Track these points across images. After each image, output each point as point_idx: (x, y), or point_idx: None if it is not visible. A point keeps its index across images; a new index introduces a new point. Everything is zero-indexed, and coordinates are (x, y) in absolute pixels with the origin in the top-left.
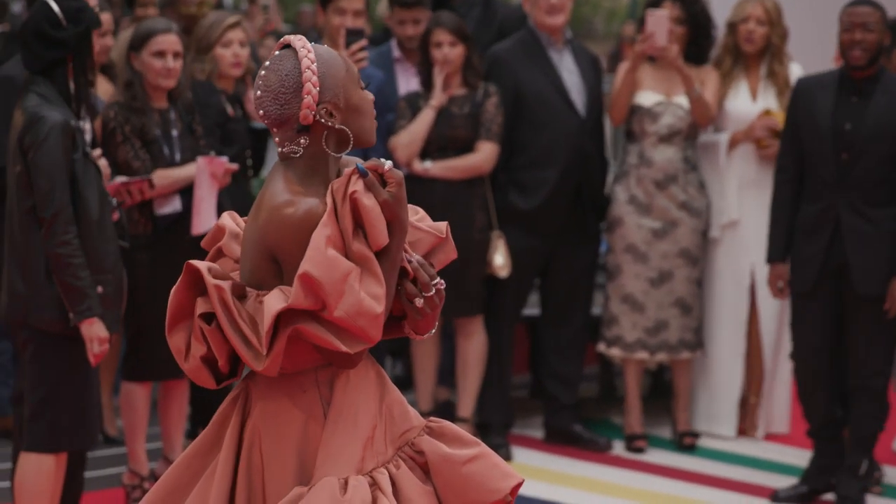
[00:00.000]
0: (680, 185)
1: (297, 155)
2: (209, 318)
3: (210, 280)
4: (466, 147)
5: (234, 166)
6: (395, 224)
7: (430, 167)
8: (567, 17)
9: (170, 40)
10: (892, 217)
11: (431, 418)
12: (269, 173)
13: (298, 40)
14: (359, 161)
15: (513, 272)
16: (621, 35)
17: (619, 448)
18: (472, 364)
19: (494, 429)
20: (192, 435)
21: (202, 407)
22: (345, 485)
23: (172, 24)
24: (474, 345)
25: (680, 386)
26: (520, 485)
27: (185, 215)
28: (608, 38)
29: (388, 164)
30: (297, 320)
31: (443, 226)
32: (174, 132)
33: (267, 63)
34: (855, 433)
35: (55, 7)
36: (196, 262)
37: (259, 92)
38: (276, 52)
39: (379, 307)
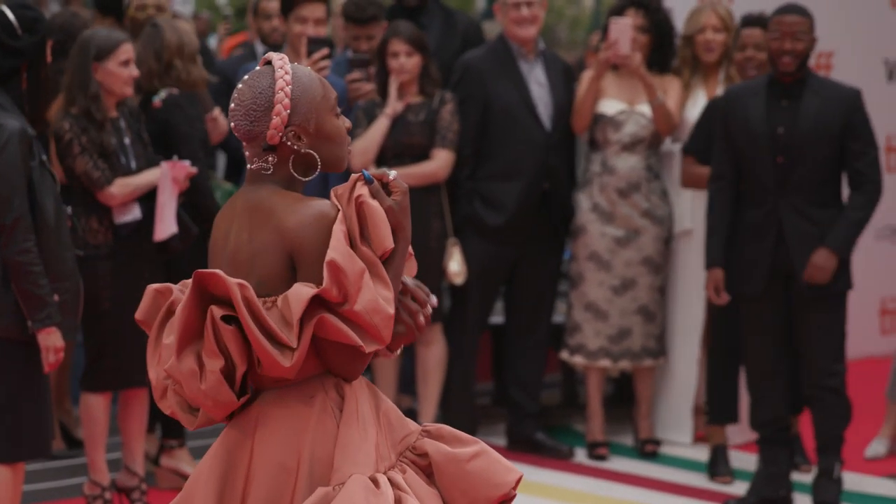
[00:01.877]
0: (643, 194)
1: (268, 172)
2: (228, 321)
3: (231, 280)
4: (422, 154)
5: (195, 170)
6: (399, 232)
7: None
8: (538, 28)
9: (130, 49)
10: (835, 217)
11: (425, 423)
12: (240, 195)
13: (279, 59)
14: (364, 169)
15: (478, 282)
16: (588, 43)
17: (581, 455)
18: (432, 372)
19: None
20: (165, 447)
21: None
22: (375, 481)
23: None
24: (434, 353)
25: (642, 393)
26: (521, 478)
27: (145, 223)
28: (572, 47)
29: (393, 173)
30: (320, 312)
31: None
32: (126, 140)
33: (245, 77)
34: (821, 436)
35: (10, 16)
36: (205, 270)
37: (233, 104)
38: (258, 68)
39: (391, 308)
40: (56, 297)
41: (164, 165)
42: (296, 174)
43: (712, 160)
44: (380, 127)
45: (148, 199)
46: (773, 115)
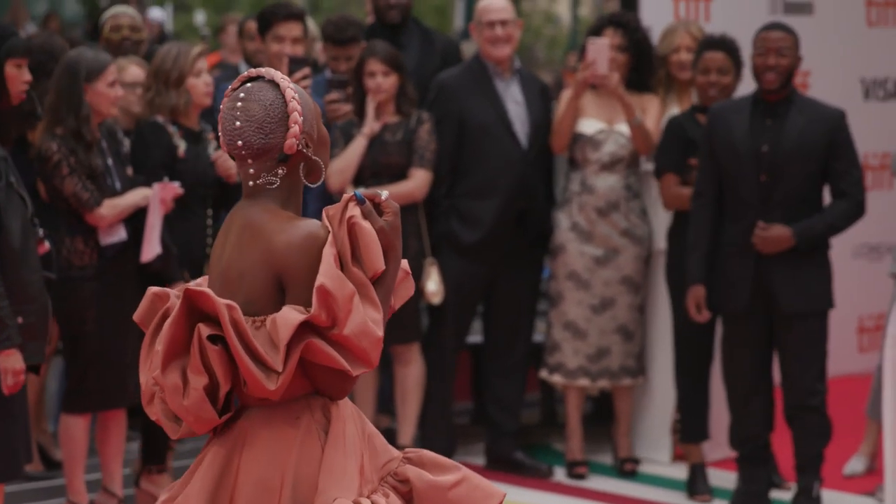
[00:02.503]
0: (622, 213)
1: (274, 186)
2: (214, 340)
3: (220, 300)
4: (400, 174)
5: (182, 191)
6: (391, 253)
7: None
8: (514, 48)
9: (115, 69)
10: None
11: (407, 449)
12: (238, 210)
13: (273, 72)
14: (357, 189)
15: (455, 299)
16: (566, 63)
17: (560, 474)
18: (411, 391)
19: None
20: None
21: (154, 440)
22: None
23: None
24: (412, 372)
25: (621, 412)
26: (503, 499)
27: (130, 244)
28: (550, 66)
29: (385, 193)
30: (308, 336)
31: (405, 262)
32: (109, 161)
33: (241, 94)
34: (801, 456)
35: None
36: (196, 287)
37: (238, 123)
38: (247, 84)
39: (380, 331)
40: (20, 320)
41: (156, 187)
42: (307, 182)
43: (696, 177)
44: (357, 147)
45: (131, 220)
46: (757, 134)
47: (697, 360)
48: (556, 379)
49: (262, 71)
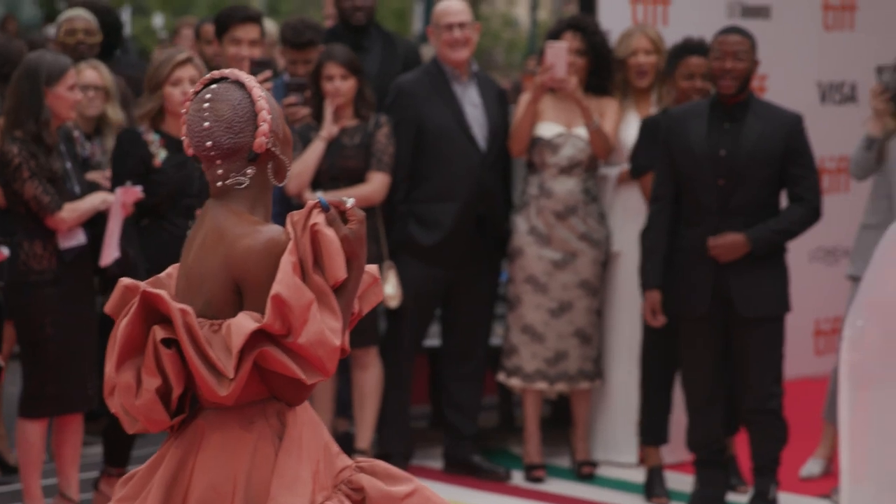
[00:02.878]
0: (580, 217)
1: (243, 185)
2: (167, 344)
3: (174, 304)
4: (358, 177)
5: (143, 195)
6: (354, 261)
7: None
8: (471, 51)
9: (74, 74)
10: None
11: (358, 458)
12: (208, 210)
13: (238, 73)
14: (321, 195)
15: (414, 303)
16: (525, 67)
17: (518, 478)
18: (369, 395)
19: (394, 459)
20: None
21: (117, 445)
22: None
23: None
24: (370, 376)
25: (579, 415)
26: None
27: (89, 248)
28: (509, 70)
29: (351, 201)
30: (263, 344)
31: (374, 267)
32: (68, 164)
33: (207, 95)
34: (758, 458)
35: None
36: (152, 289)
37: (207, 123)
38: (212, 86)
39: (337, 340)
40: None
41: (119, 191)
42: (275, 181)
43: (653, 181)
44: (315, 150)
45: (90, 224)
46: (714, 138)
47: (663, 363)
48: (514, 382)
49: (227, 72)
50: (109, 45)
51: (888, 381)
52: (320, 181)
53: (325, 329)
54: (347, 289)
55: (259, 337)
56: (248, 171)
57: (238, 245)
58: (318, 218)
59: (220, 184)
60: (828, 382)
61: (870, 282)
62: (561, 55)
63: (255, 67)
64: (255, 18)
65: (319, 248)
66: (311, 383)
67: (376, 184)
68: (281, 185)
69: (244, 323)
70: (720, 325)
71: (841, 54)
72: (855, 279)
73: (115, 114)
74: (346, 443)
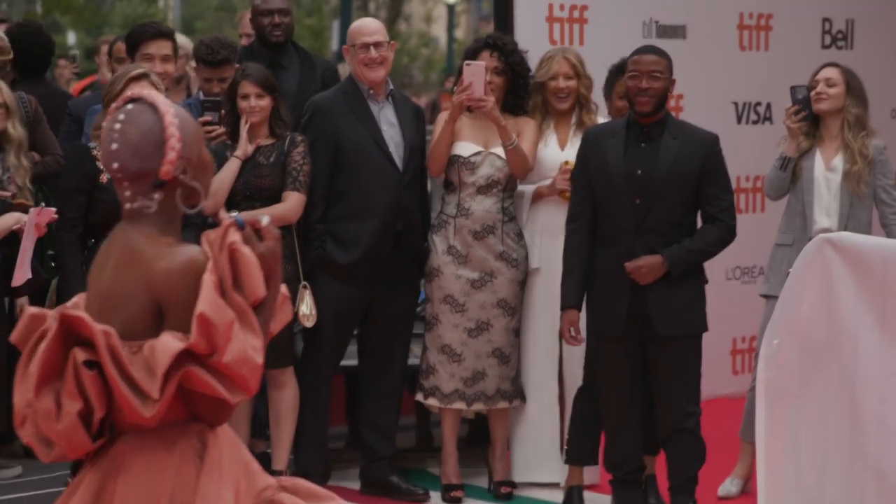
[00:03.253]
0: (498, 236)
1: (151, 210)
2: (90, 366)
3: (96, 326)
4: (273, 196)
5: (56, 217)
6: (271, 279)
7: (236, 217)
8: (387, 70)
9: None
10: None
11: (282, 477)
12: (117, 233)
13: (155, 95)
14: (236, 214)
15: (331, 323)
16: (443, 85)
17: (436, 499)
18: (285, 415)
19: (312, 479)
20: None
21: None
22: None
23: None
24: (286, 396)
25: (497, 435)
26: None
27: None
28: (426, 88)
29: (266, 219)
30: (187, 364)
31: (283, 287)
32: None
33: (120, 116)
34: (675, 478)
35: None
36: (72, 311)
37: (115, 146)
38: (128, 106)
39: (259, 358)
40: None
41: (33, 211)
42: (183, 208)
43: (570, 201)
44: (230, 169)
45: (1, 244)
46: (631, 157)
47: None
48: (432, 402)
49: (144, 93)
50: (41, 64)
51: (803, 399)
52: (235, 200)
53: (247, 347)
54: (266, 306)
55: (183, 357)
56: (156, 195)
57: (157, 266)
58: (235, 236)
59: (128, 206)
60: (745, 402)
61: (785, 300)
62: (479, 74)
63: (206, 105)
64: (166, 34)
65: (238, 267)
66: (235, 402)
67: (292, 203)
68: (192, 210)
69: (169, 343)
70: (636, 345)
71: (757, 74)
72: (769, 298)
73: (17, 131)
74: (263, 463)
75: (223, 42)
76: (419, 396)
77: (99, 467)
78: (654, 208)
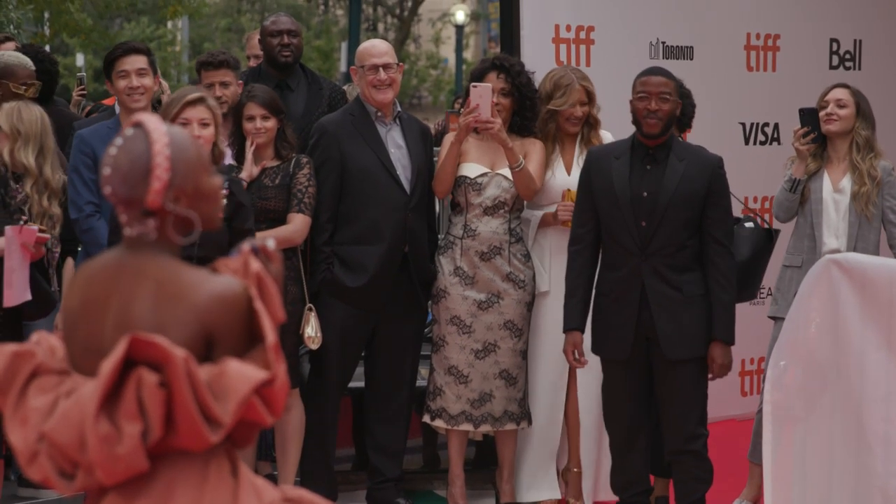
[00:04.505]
0: (504, 257)
1: (151, 238)
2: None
3: (176, 351)
4: (278, 218)
5: (46, 236)
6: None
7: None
8: (395, 92)
9: None
10: (696, 281)
11: (285, 487)
12: (126, 257)
13: (152, 122)
14: (251, 240)
15: (337, 345)
16: (452, 106)
17: None
18: (291, 437)
19: None
20: None
21: None
22: None
23: None
24: (292, 417)
25: (504, 457)
26: None
27: None
28: (435, 109)
29: (272, 242)
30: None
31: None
32: None
33: (118, 140)
34: (682, 499)
35: None
36: (144, 336)
37: (109, 171)
38: (128, 131)
39: (289, 383)
40: None
41: (8, 230)
42: (177, 238)
43: (573, 222)
44: None
45: None
46: (637, 179)
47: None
48: (439, 424)
49: (144, 119)
50: (48, 90)
51: (811, 421)
52: None
53: (283, 372)
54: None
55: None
56: (150, 223)
57: (205, 295)
58: (257, 265)
59: (127, 231)
60: (753, 423)
61: (792, 321)
62: (486, 96)
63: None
64: (139, 50)
65: (264, 295)
66: (270, 425)
67: (297, 225)
68: (186, 240)
69: (248, 372)
70: (643, 368)
71: (764, 95)
72: (776, 319)
73: (29, 161)
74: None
75: (221, 51)
76: (426, 418)
77: (126, 494)
78: (660, 231)
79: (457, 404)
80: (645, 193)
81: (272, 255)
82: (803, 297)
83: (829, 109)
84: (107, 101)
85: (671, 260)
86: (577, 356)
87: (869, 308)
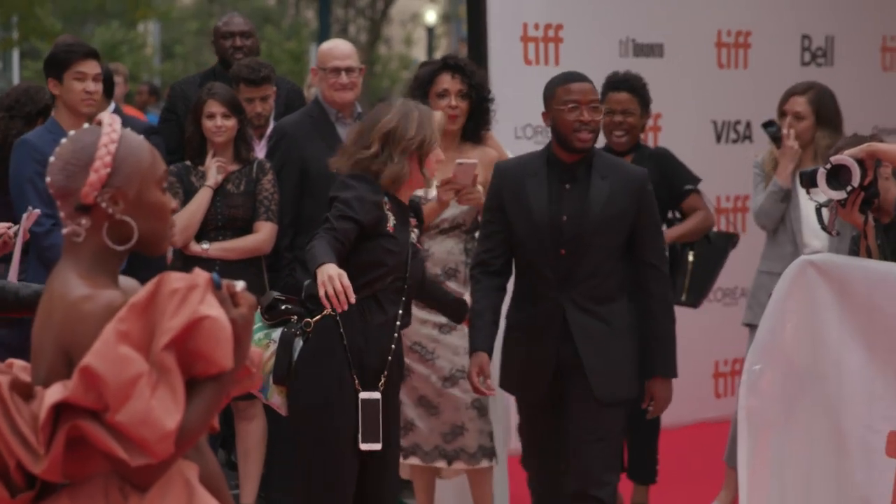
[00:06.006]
0: (460, 280)
1: (80, 239)
2: None
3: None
4: (245, 227)
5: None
6: (237, 349)
7: (208, 249)
8: (357, 93)
9: None
10: (622, 312)
11: None
12: (60, 266)
13: (111, 119)
14: (215, 275)
15: None
16: None
17: None
18: (253, 448)
19: None
20: None
21: None
22: None
23: None
24: (254, 428)
25: (480, 500)
26: None
27: None
28: None
29: (242, 284)
30: (78, 417)
31: (258, 353)
32: None
33: (72, 132)
34: None
35: None
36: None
37: (52, 158)
38: (86, 125)
39: (170, 423)
40: None
41: (25, 215)
42: (110, 243)
43: (478, 241)
44: (202, 199)
45: None
46: (556, 201)
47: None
48: (414, 462)
49: (103, 116)
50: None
51: (787, 426)
52: (206, 230)
53: (153, 408)
54: (226, 376)
55: (75, 408)
56: (82, 221)
57: (71, 312)
58: (210, 298)
59: (64, 231)
60: (729, 426)
61: (767, 324)
62: (470, 173)
63: None
64: (97, 55)
65: (203, 332)
66: (135, 464)
67: (265, 233)
68: (122, 249)
69: (50, 395)
70: (559, 404)
71: (735, 92)
72: (752, 327)
73: None
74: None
75: (262, 62)
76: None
77: None
78: (583, 260)
79: (430, 438)
80: (564, 217)
81: (241, 297)
82: (779, 300)
83: (785, 127)
84: None
85: (596, 290)
86: (483, 381)
87: (848, 310)
